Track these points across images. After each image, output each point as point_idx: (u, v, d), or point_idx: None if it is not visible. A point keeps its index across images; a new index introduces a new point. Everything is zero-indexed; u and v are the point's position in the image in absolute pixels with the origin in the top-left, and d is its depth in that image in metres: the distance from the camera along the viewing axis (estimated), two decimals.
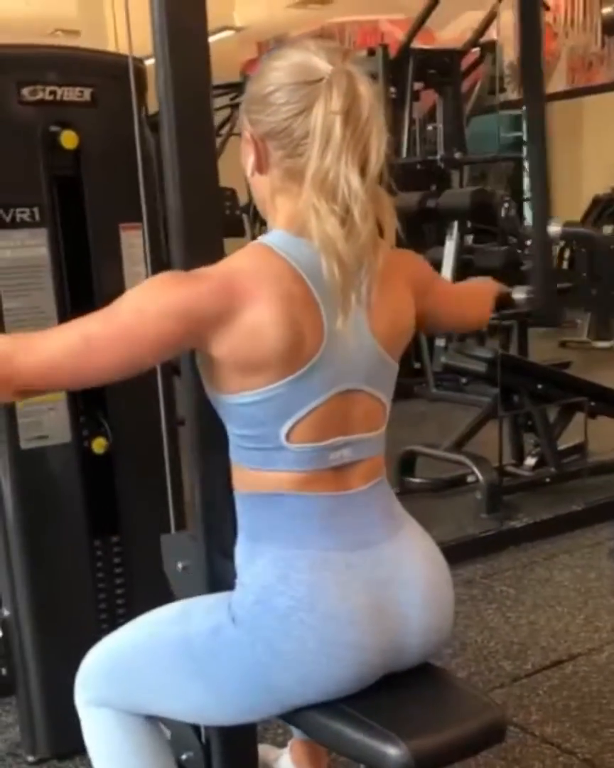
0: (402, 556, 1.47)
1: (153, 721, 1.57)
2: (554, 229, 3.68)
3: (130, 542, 2.24)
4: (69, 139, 2.06)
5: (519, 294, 2.02)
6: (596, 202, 10.35)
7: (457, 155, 5.94)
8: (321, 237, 1.30)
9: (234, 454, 1.45)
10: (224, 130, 7.35)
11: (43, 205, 2.06)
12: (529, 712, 2.37)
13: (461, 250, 4.47)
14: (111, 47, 2.50)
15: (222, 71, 6.31)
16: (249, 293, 1.31)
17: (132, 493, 2.22)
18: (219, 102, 7.38)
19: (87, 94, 2.09)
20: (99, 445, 2.16)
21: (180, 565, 1.64)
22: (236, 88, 7.36)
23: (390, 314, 1.43)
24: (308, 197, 1.30)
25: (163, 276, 1.38)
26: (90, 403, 2.15)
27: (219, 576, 1.55)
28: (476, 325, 1.95)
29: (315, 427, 1.38)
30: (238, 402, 1.37)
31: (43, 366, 1.31)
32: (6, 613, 2.16)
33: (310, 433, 1.38)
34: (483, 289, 1.90)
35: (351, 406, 1.41)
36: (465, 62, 6.58)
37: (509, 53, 9.74)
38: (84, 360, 1.32)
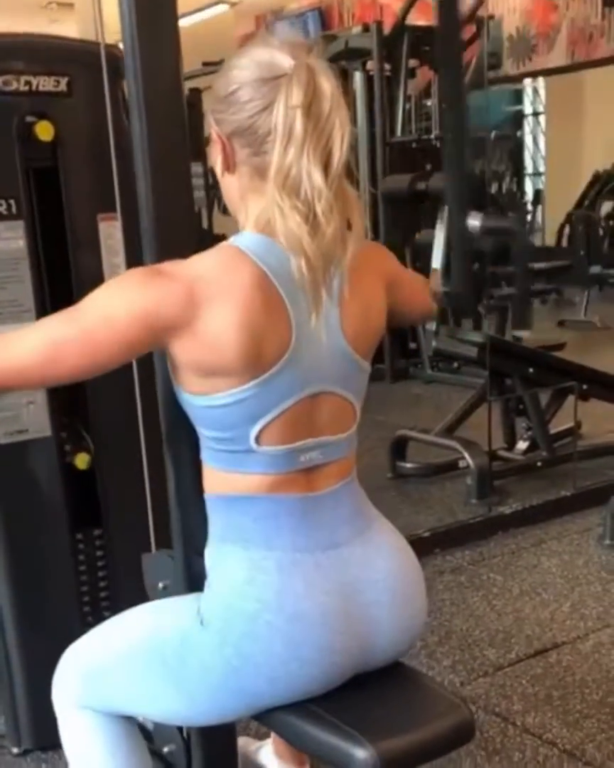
0: (372, 556, 1.46)
1: (129, 721, 1.58)
2: (473, 222, 3.64)
3: (112, 535, 2.23)
4: (45, 130, 2.04)
5: (437, 287, 2.03)
6: (596, 178, 10.29)
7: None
8: (287, 234, 1.29)
9: (204, 456, 1.44)
10: None
11: (19, 198, 2.04)
12: (511, 702, 2.37)
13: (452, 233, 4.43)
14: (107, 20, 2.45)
15: (218, 46, 6.28)
16: (209, 300, 1.30)
17: (113, 485, 2.21)
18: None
19: (63, 83, 2.07)
20: (82, 460, 2.17)
21: (161, 585, 1.65)
22: None
23: (362, 313, 1.42)
24: (271, 195, 1.29)
25: (129, 276, 1.38)
26: (70, 400, 2.14)
27: None
28: (428, 317, 1.97)
29: (284, 429, 1.37)
30: (205, 404, 1.36)
31: (13, 369, 1.34)
32: None
33: (279, 436, 1.37)
34: (421, 278, 1.88)
35: (321, 408, 1.41)
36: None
37: (508, 26, 9.67)
38: (51, 364, 1.33)
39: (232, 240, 1.38)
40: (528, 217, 13.44)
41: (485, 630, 2.76)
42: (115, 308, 1.32)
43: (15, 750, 2.21)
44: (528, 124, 13.74)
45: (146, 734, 1.85)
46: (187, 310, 1.30)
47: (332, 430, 1.43)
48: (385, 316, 1.49)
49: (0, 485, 2.10)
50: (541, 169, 13.63)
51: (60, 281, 2.11)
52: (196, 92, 7.04)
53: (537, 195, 13.14)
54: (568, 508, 3.69)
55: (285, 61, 1.30)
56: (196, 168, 1.79)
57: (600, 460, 4.19)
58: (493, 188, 12.00)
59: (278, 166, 1.28)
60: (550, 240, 11.11)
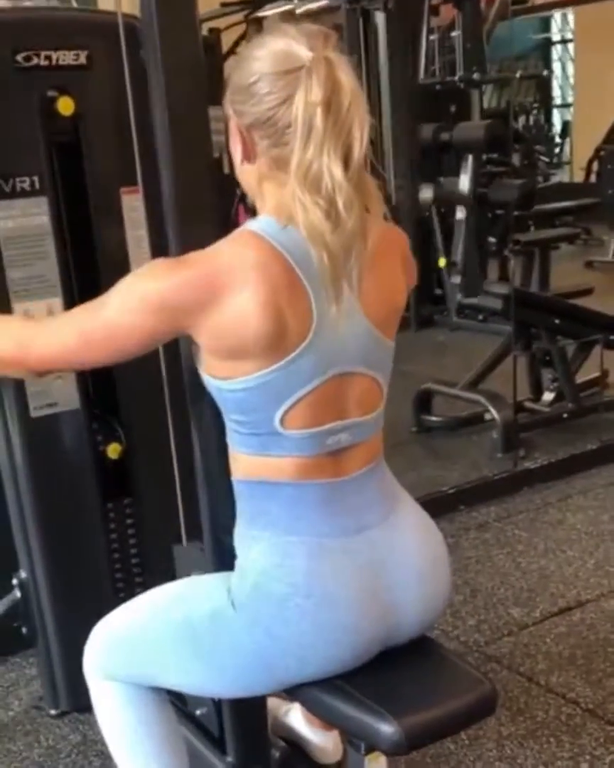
0: (398, 538, 1.49)
1: (159, 691, 1.63)
2: (425, 195, 3.58)
3: (141, 504, 2.28)
4: (66, 105, 2.04)
5: None
6: None
7: (476, 76, 5.78)
8: (309, 228, 1.30)
9: (230, 440, 1.46)
10: (240, 49, 7.16)
11: (42, 174, 2.05)
12: (536, 661, 2.42)
13: (477, 183, 4.39)
14: None
15: None
16: (231, 283, 1.31)
17: (142, 455, 2.25)
18: (233, 19, 7.20)
19: (82, 56, 2.06)
20: (114, 450, 2.22)
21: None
22: (250, 5, 7.17)
23: (383, 294, 1.43)
24: (293, 190, 1.30)
25: (152, 266, 1.40)
26: (99, 385, 2.18)
27: None
28: None
29: (310, 412, 1.39)
30: (229, 387, 1.38)
31: (48, 357, 1.45)
32: (23, 574, 2.22)
33: (305, 419, 1.39)
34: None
35: (347, 389, 1.42)
36: None
37: None
38: (82, 353, 1.42)
39: (249, 225, 1.39)
40: (556, 150, 13.25)
41: (510, 588, 2.80)
42: (135, 298, 1.35)
43: (53, 711, 2.29)
44: (556, 52, 13.40)
45: (179, 697, 1.91)
46: (208, 294, 1.31)
47: (360, 411, 1.44)
48: (405, 295, 1.50)
49: (32, 458, 2.14)
50: (570, 99, 13.34)
51: (84, 256, 2.13)
52: (215, 32, 6.94)
53: (566, 127, 12.90)
54: (594, 461, 3.71)
55: (302, 52, 1.30)
56: (215, 112, 1.78)
57: None
58: (520, 122, 11.82)
59: (299, 161, 1.29)
60: (578, 175, 10.89)
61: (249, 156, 1.39)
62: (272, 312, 1.32)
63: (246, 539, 1.47)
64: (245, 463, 1.46)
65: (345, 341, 1.39)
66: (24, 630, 2.25)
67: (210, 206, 1.60)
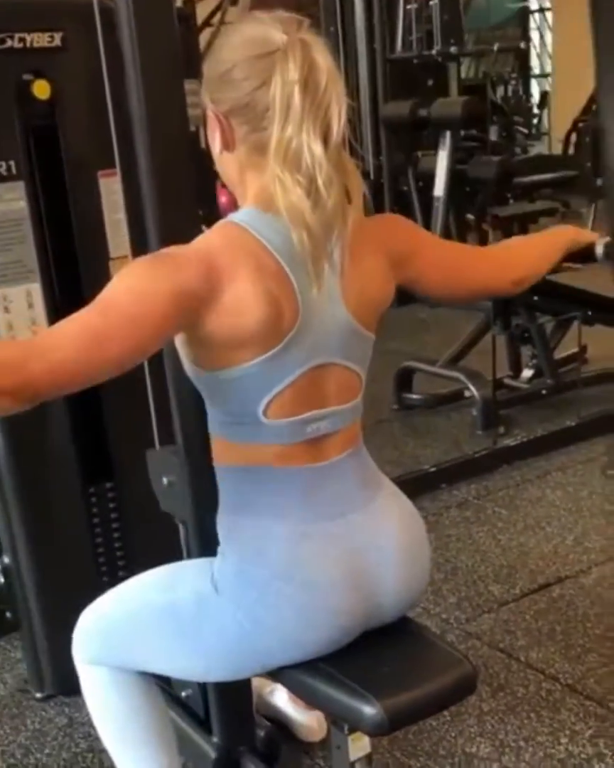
0: (378, 522, 1.50)
1: (146, 675, 1.65)
2: None
3: (124, 487, 2.28)
4: (42, 89, 2.02)
5: (600, 247, 1.82)
6: None
7: (453, 50, 5.75)
8: (289, 208, 1.30)
9: (213, 428, 1.48)
10: (215, 20, 7.06)
11: (18, 158, 2.03)
12: (516, 637, 2.46)
13: (454, 160, 4.38)
14: None
15: None
16: (229, 270, 1.32)
17: (124, 439, 2.25)
18: None
19: (57, 38, 2.03)
20: None
21: (165, 481, 1.69)
22: None
23: (363, 284, 1.43)
24: (272, 169, 1.30)
25: (145, 260, 1.37)
26: None
27: (201, 490, 1.59)
28: (505, 292, 1.73)
29: (291, 402, 1.40)
30: (219, 378, 1.39)
31: (57, 368, 1.23)
32: (6, 559, 2.23)
33: (287, 408, 1.40)
34: (500, 252, 1.77)
35: (327, 380, 1.43)
36: None
37: None
38: (96, 355, 1.26)
39: (230, 217, 1.40)
40: (534, 121, 13.20)
41: (490, 565, 2.83)
42: (144, 287, 1.30)
43: (39, 695, 2.31)
44: (534, 21, 13.30)
45: (165, 680, 1.93)
46: (209, 281, 1.31)
47: (338, 401, 1.46)
48: (390, 289, 1.50)
49: (12, 443, 2.14)
50: (548, 69, 13.28)
51: (63, 240, 2.11)
52: (190, 3, 6.84)
53: (544, 97, 12.83)
54: (573, 437, 3.74)
55: (277, 36, 1.30)
56: (190, 85, 1.77)
57: (605, 386, 4.21)
58: (498, 93, 11.77)
59: (278, 140, 1.29)
60: (557, 147, 10.86)
61: (228, 144, 1.39)
62: (269, 298, 1.33)
63: (228, 525, 1.49)
64: (227, 450, 1.47)
65: (327, 332, 1.40)
66: (8, 614, 2.26)
67: (188, 183, 1.62)
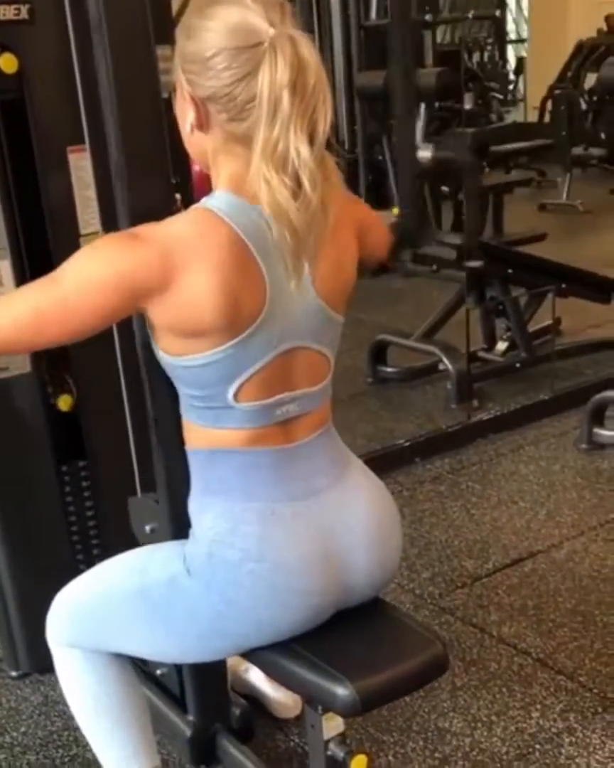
0: (348, 501, 1.51)
1: (121, 656, 1.65)
2: (424, 154, 3.57)
3: (96, 466, 2.28)
4: (8, 63, 1.97)
5: (388, 219, 1.93)
6: (579, 47, 9.93)
7: (428, 17, 5.72)
8: (273, 206, 1.29)
9: (184, 412, 1.48)
10: None
11: None
12: (488, 612, 2.48)
13: (429, 131, 4.36)
14: None
15: None
16: (187, 263, 1.31)
17: (95, 417, 2.24)
18: None
19: (24, 10, 1.99)
20: (65, 402, 2.20)
21: (148, 528, 1.70)
22: None
23: (335, 267, 1.43)
24: (258, 167, 1.29)
25: (104, 242, 1.39)
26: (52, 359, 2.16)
27: (183, 537, 1.59)
28: (383, 259, 1.80)
29: (260, 386, 1.40)
30: (183, 365, 1.39)
31: (1, 343, 1.39)
32: None
33: (256, 392, 1.41)
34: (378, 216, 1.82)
35: (296, 363, 1.43)
36: None
37: None
38: (35, 332, 1.38)
39: (204, 202, 1.38)
40: (510, 88, 13.14)
41: (463, 540, 2.85)
42: (91, 275, 1.34)
43: (14, 673, 2.31)
44: None
45: (140, 658, 1.94)
46: (163, 275, 1.31)
47: (307, 383, 1.46)
48: (355, 269, 1.50)
49: None
50: (524, 35, 13.20)
51: (32, 217, 2.09)
52: None
53: (520, 63, 12.78)
54: (546, 411, 3.76)
55: (262, 26, 1.27)
56: (163, 51, 1.75)
57: (579, 359, 4.24)
58: (474, 59, 11.70)
59: (265, 140, 1.27)
60: (533, 114, 10.81)
61: (202, 126, 1.37)
62: (227, 292, 1.32)
63: (199, 507, 1.49)
64: (198, 433, 1.47)
65: (296, 317, 1.40)
66: None
67: (161, 155, 1.60)
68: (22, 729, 2.16)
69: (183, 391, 1.44)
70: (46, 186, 2.09)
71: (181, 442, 1.51)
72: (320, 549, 1.46)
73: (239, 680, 2.16)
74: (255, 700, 2.12)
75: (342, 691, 1.40)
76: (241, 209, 1.34)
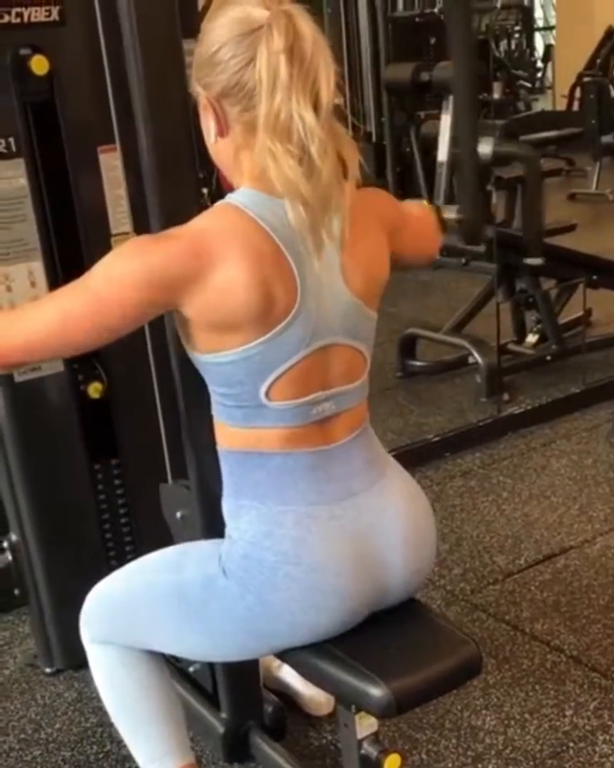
0: (384, 503, 1.50)
1: (154, 653, 1.66)
2: (485, 149, 3.53)
3: (129, 464, 2.29)
4: (39, 64, 1.98)
5: (449, 213, 1.93)
6: (609, 34, 9.80)
7: None
8: (282, 180, 1.29)
9: (216, 412, 1.47)
10: None
11: (18, 135, 2.00)
12: (521, 609, 2.47)
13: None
14: None
15: None
16: (218, 254, 1.31)
17: (128, 415, 2.25)
18: None
19: (55, 12, 2.00)
20: (95, 389, 2.20)
21: (179, 514, 1.71)
22: None
23: (365, 261, 1.42)
24: (262, 141, 1.29)
25: (133, 242, 1.42)
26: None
27: (214, 524, 1.61)
28: (432, 258, 1.80)
29: (294, 383, 1.40)
30: (214, 361, 1.39)
31: (29, 344, 1.39)
32: (14, 537, 2.23)
33: (290, 390, 1.40)
34: (429, 215, 1.79)
35: (331, 360, 1.43)
36: None
37: None
38: (62, 336, 1.38)
39: (227, 199, 1.38)
40: (538, 75, 13.01)
41: (495, 536, 2.84)
42: (119, 274, 1.34)
43: (48, 669, 2.33)
44: None
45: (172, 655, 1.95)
46: (195, 265, 1.31)
47: (343, 381, 1.45)
48: (388, 264, 1.49)
49: (18, 422, 2.14)
50: (552, 22, 13.07)
51: (64, 218, 2.10)
52: None
53: (548, 51, 12.65)
54: (577, 404, 3.73)
55: (260, 13, 1.29)
56: (189, 46, 1.78)
57: (610, 351, 4.20)
58: (501, 47, 11.59)
59: (267, 110, 1.27)
60: (561, 102, 10.70)
61: (222, 129, 1.37)
62: (259, 283, 1.32)
63: (234, 509, 1.49)
64: (231, 434, 1.47)
65: (328, 313, 1.39)
66: (16, 591, 2.28)
67: (189, 153, 1.60)
68: (57, 725, 2.18)
69: (214, 390, 1.44)
70: (76, 186, 2.10)
71: (212, 430, 1.51)
72: (356, 552, 1.45)
73: (271, 677, 2.16)
74: (287, 697, 2.13)
75: (376, 692, 1.40)
76: (263, 203, 1.34)
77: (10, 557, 2.23)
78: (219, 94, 1.34)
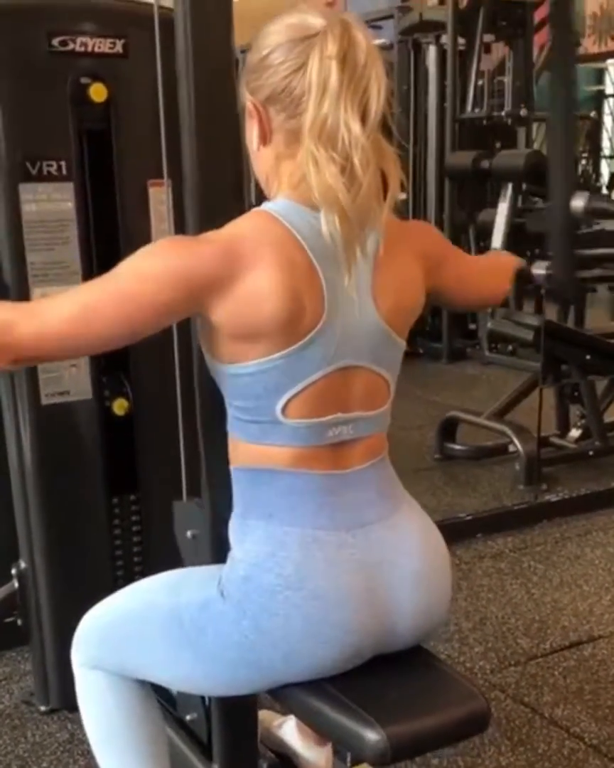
0: (397, 538, 1.43)
1: (144, 685, 1.58)
2: (578, 203, 3.52)
3: (148, 501, 2.24)
4: (98, 92, 2.03)
5: (538, 269, 1.95)
6: None
7: (523, 112, 5.77)
8: (321, 187, 1.26)
9: (230, 427, 1.43)
10: None
11: (70, 159, 2.04)
12: (541, 693, 2.34)
13: (514, 212, 4.35)
14: None
15: None
16: (250, 258, 1.28)
17: (152, 452, 2.21)
18: None
19: (119, 45, 2.05)
20: (120, 406, 2.16)
21: (189, 534, 1.65)
22: None
23: (396, 288, 1.39)
24: (306, 147, 1.27)
25: (164, 241, 1.37)
26: (112, 363, 2.14)
27: (224, 545, 1.55)
28: (492, 301, 1.85)
29: (312, 402, 1.35)
30: (234, 372, 1.35)
31: (42, 335, 1.30)
32: (23, 565, 2.18)
33: (307, 409, 1.35)
34: (503, 262, 1.81)
35: (353, 383, 1.38)
36: (539, 14, 6.34)
37: (592, 4, 9.40)
38: (82, 328, 1.30)
39: (263, 206, 1.37)
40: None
41: (521, 618, 2.72)
42: (148, 269, 1.30)
43: (43, 708, 2.25)
44: (608, 106, 13.47)
45: (170, 701, 1.86)
46: (226, 267, 1.28)
47: (364, 406, 1.40)
48: (422, 297, 1.45)
49: (40, 445, 2.11)
50: None
51: (108, 245, 2.10)
52: None
53: (613, 178, 12.86)
54: None
55: (317, 20, 1.29)
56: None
57: None
58: None
59: (313, 116, 1.26)
60: None
61: (265, 137, 1.36)
62: (289, 293, 1.28)
63: (240, 528, 1.43)
64: (243, 450, 1.42)
65: (355, 332, 1.35)
66: (19, 622, 2.21)
67: (236, 189, 1.58)
68: (44, 764, 2.08)
69: (230, 402, 1.40)
70: (123, 216, 2.12)
71: (226, 449, 1.46)
72: (363, 584, 1.38)
73: (270, 736, 2.05)
74: (285, 758, 2.01)
75: (372, 735, 1.31)
76: (299, 213, 1.32)
77: (16, 584, 2.17)
78: (266, 99, 1.33)
